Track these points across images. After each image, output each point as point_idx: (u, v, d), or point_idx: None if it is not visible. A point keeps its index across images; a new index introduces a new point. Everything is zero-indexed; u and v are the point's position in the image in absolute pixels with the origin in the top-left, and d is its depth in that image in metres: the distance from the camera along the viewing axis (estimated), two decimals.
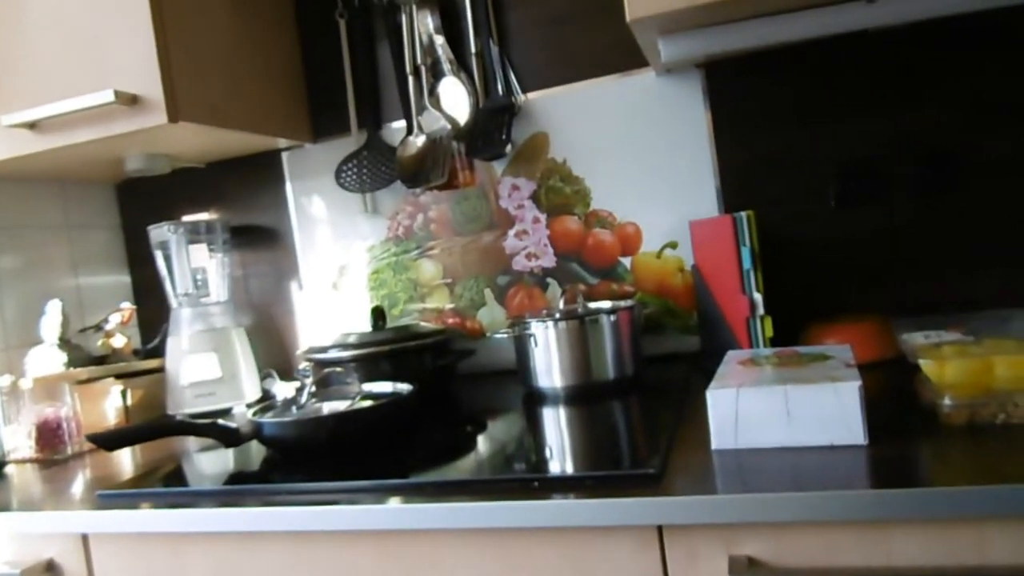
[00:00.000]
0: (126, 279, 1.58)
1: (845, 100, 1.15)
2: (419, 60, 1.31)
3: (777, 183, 1.19)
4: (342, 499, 0.74)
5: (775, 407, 0.71)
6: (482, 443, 0.88)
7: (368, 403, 0.95)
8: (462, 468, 0.79)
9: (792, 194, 1.18)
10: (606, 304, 1.16)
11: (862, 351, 0.93)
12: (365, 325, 1.35)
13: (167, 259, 1.35)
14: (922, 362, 0.74)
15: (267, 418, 0.93)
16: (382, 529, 0.73)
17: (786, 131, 1.18)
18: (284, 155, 1.45)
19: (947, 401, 0.72)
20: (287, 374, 1.41)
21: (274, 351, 1.48)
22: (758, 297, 1.01)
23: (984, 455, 0.64)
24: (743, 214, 1.01)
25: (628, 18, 0.92)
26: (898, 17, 0.97)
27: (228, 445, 0.91)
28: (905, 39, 1.11)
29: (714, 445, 0.73)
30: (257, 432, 0.91)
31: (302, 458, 0.90)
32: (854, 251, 1.16)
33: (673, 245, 1.24)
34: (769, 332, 1.01)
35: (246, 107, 1.25)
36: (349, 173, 1.36)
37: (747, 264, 1.01)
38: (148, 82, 1.08)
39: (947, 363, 0.72)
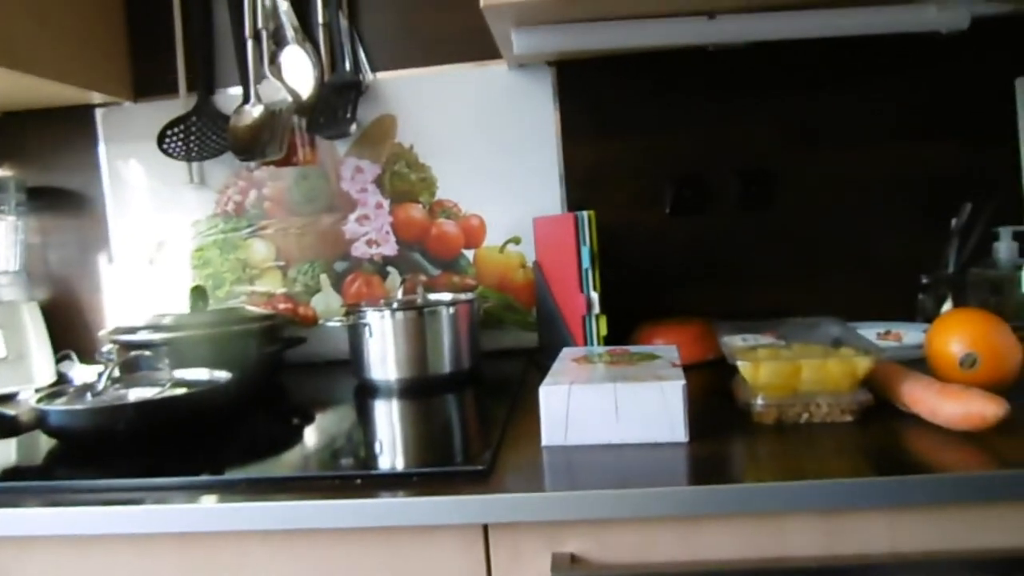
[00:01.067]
0: None
1: (683, 112, 1.20)
2: (260, 23, 1.21)
3: (618, 186, 1.22)
4: (137, 498, 0.66)
5: (604, 404, 0.72)
6: (308, 437, 0.83)
7: (180, 391, 0.87)
8: (283, 464, 0.74)
9: (631, 198, 1.22)
10: (446, 296, 1.14)
11: (687, 352, 0.97)
12: (185, 307, 1.24)
13: None
14: (739, 364, 0.77)
15: (54, 405, 0.82)
16: (181, 531, 0.66)
17: (629, 136, 1.21)
18: (98, 112, 1.29)
19: (759, 401, 0.76)
20: (89, 357, 1.26)
21: (76, 331, 1.31)
22: (595, 296, 1.03)
23: (787, 453, 0.68)
24: (584, 213, 1.03)
25: (482, 3, 0.90)
26: (735, 36, 1.02)
27: (2, 436, 0.79)
28: (740, 59, 1.18)
29: (544, 441, 0.73)
30: (40, 421, 0.79)
31: (98, 452, 0.79)
32: (684, 257, 1.22)
33: (516, 240, 1.24)
34: (604, 331, 1.04)
35: (51, 51, 1.09)
36: (175, 139, 1.24)
37: (586, 263, 1.02)
38: None
39: (761, 365, 0.76)
